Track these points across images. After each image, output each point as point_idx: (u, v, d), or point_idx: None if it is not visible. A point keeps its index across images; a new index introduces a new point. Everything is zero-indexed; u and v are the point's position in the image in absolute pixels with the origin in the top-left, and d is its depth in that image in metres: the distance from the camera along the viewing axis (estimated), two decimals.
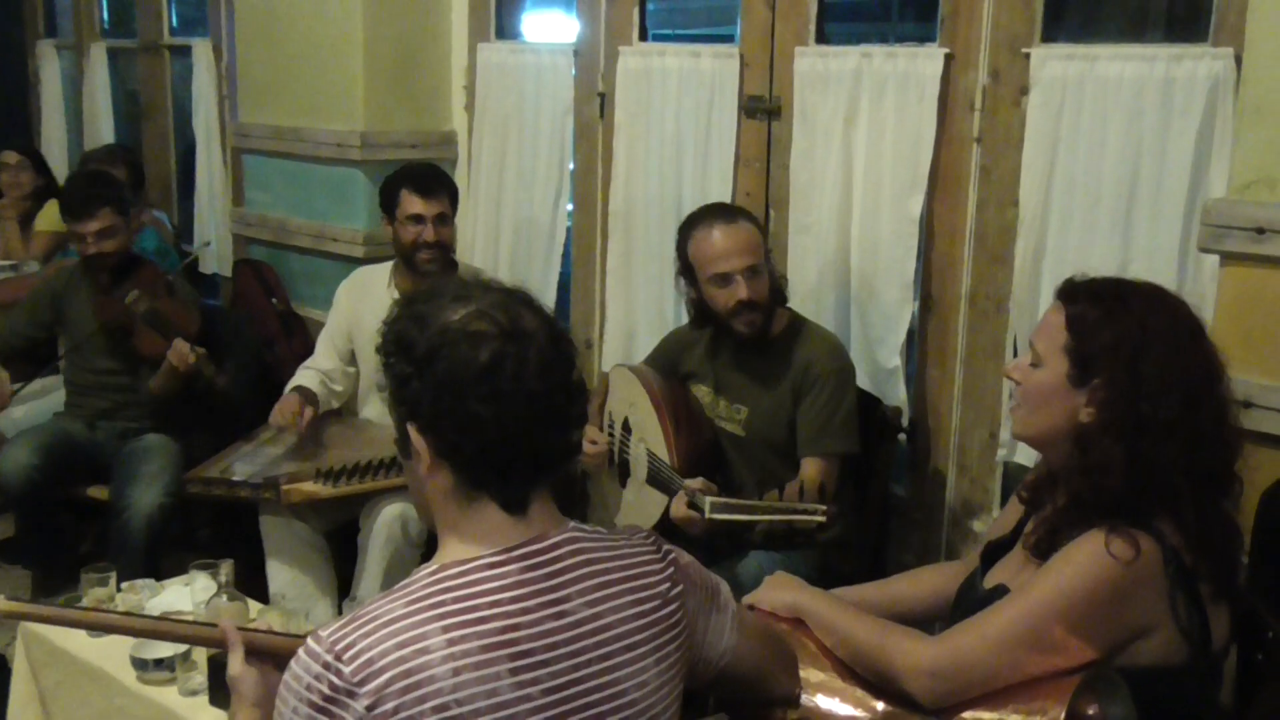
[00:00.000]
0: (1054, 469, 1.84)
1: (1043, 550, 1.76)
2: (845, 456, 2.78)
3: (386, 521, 3.18)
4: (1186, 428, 1.69)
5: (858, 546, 2.89)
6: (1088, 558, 1.66)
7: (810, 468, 2.74)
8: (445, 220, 3.40)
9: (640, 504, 2.92)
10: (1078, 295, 1.80)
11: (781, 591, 2.00)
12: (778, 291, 2.85)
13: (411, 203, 3.37)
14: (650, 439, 2.86)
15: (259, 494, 3.20)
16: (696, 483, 2.46)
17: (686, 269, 2.84)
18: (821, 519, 2.18)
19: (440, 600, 1.32)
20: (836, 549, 2.82)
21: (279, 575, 3.29)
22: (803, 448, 2.78)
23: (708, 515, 2.32)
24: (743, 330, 2.77)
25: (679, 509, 2.51)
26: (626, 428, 2.99)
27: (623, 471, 3.03)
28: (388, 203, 3.43)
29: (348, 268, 3.92)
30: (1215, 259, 2.40)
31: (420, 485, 1.42)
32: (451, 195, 3.45)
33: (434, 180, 3.42)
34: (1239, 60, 2.42)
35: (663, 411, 2.83)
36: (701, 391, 2.94)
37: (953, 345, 3.02)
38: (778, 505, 2.25)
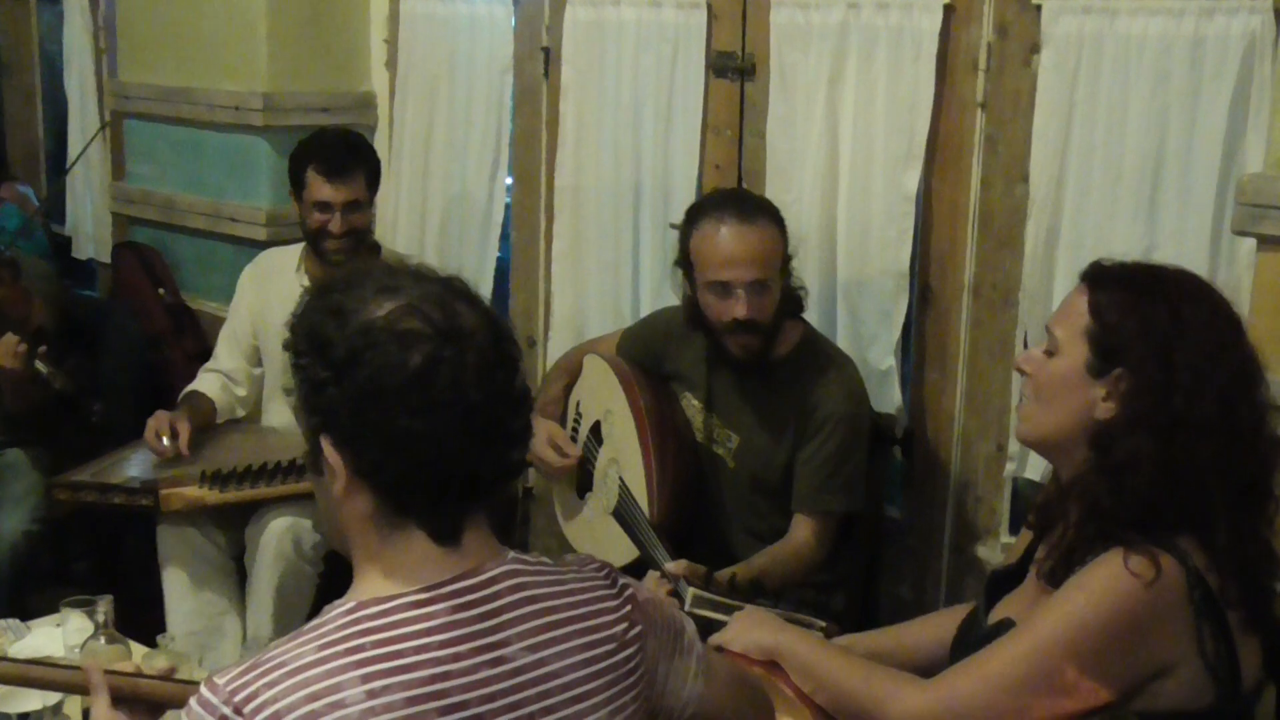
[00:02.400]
0: (1066, 482, 1.87)
1: (1057, 577, 1.79)
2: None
3: (275, 536, 3.18)
4: (1223, 430, 1.72)
5: (843, 577, 2.90)
6: (1103, 582, 1.70)
7: (803, 529, 2.74)
8: (358, 207, 3.35)
9: (596, 530, 2.93)
10: (1105, 278, 1.84)
11: (754, 631, 2.02)
12: (793, 300, 2.81)
13: (318, 187, 3.31)
14: (625, 466, 2.85)
15: (135, 499, 3.17)
16: (679, 567, 2.39)
17: (686, 262, 2.77)
18: (820, 633, 2.17)
19: (358, 644, 1.32)
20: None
21: (177, 598, 3.26)
22: (798, 502, 2.77)
23: (688, 609, 2.28)
24: (734, 352, 2.75)
25: (656, 589, 2.48)
26: (596, 434, 2.99)
27: (582, 479, 3.03)
28: (295, 179, 3.38)
29: (248, 253, 3.90)
30: (1251, 242, 2.44)
31: (334, 507, 1.42)
32: (370, 173, 3.40)
33: (347, 158, 3.35)
34: (1279, 15, 2.45)
35: (648, 445, 2.79)
36: (692, 406, 2.91)
37: (954, 343, 3.05)
38: (769, 610, 2.21)
